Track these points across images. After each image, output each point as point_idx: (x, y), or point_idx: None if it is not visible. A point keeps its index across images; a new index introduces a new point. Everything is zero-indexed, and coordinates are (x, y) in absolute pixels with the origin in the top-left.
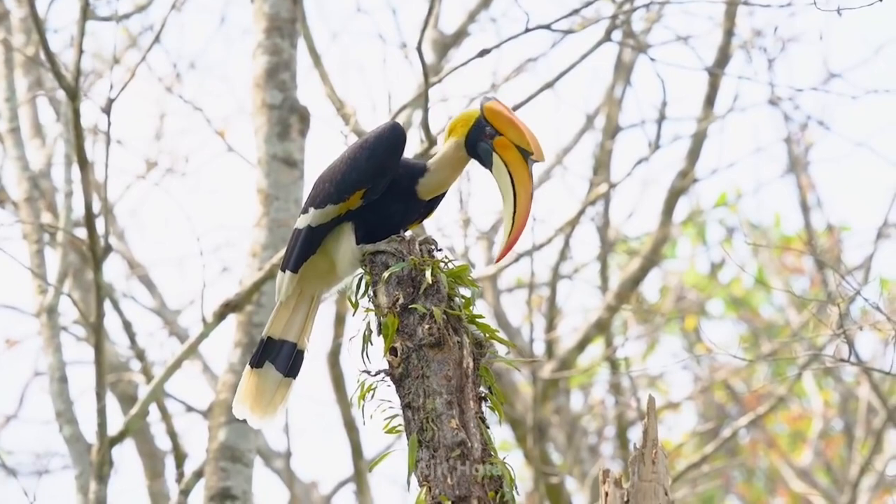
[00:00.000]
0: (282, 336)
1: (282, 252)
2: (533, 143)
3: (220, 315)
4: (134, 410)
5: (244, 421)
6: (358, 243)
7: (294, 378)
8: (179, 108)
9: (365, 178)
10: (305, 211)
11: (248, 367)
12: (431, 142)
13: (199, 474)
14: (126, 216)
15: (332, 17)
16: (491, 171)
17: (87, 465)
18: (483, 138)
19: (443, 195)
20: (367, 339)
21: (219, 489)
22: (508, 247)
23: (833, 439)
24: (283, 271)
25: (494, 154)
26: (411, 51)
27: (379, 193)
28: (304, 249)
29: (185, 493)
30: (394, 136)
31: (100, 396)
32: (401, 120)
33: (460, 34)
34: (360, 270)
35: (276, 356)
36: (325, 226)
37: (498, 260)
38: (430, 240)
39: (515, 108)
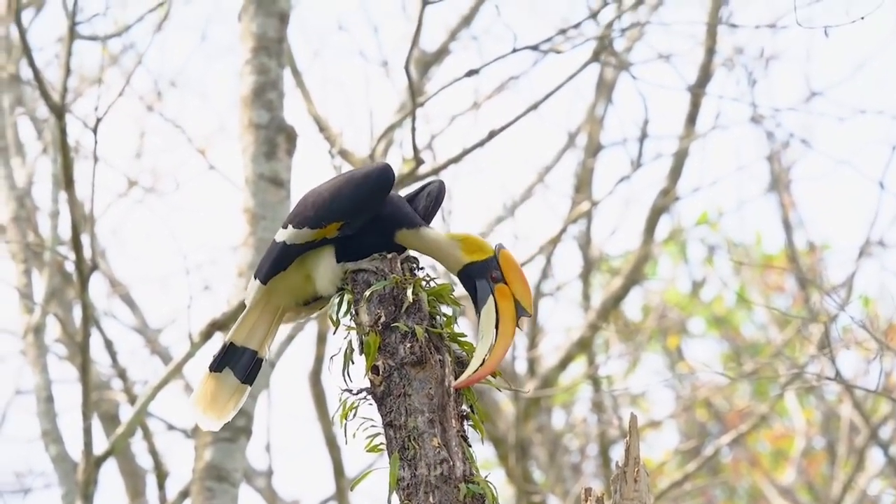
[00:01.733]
0: (244, 343)
1: None
2: (531, 303)
3: (207, 334)
4: (120, 429)
5: (230, 440)
6: (339, 261)
7: (250, 385)
8: (160, 126)
9: (344, 212)
10: (286, 227)
11: (207, 370)
12: (419, 161)
13: (184, 494)
14: (107, 235)
15: (313, 35)
16: (478, 308)
17: (73, 484)
18: (487, 277)
19: None
20: (348, 358)
21: None
22: (469, 382)
23: (815, 458)
24: (255, 279)
25: (491, 296)
26: (392, 69)
27: (356, 229)
28: (277, 264)
29: None
30: (381, 179)
31: (86, 416)
32: (384, 139)
33: (441, 52)
34: (342, 289)
35: (237, 362)
36: (301, 247)
37: (456, 387)
38: (410, 258)
39: (502, 129)
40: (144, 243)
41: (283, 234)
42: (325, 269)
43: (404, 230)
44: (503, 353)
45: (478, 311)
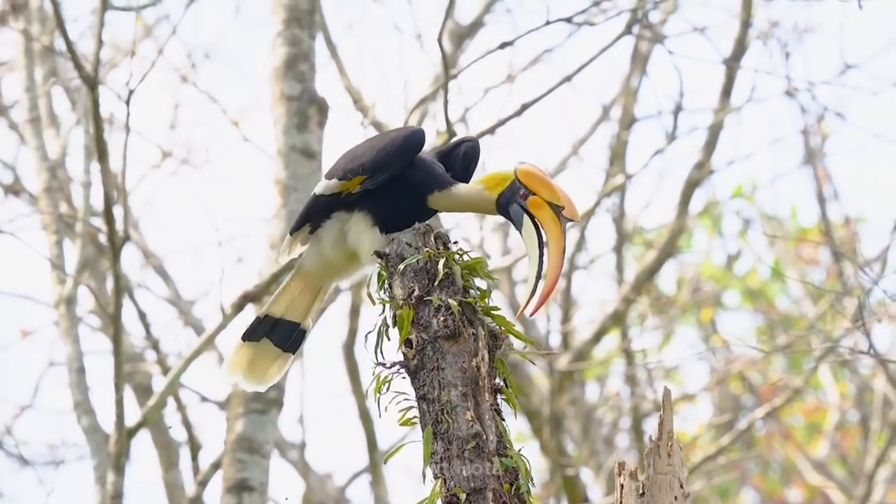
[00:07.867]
0: (283, 315)
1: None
2: (565, 200)
3: (239, 306)
4: (152, 401)
5: (262, 412)
6: (382, 232)
7: (293, 353)
8: (195, 98)
9: (367, 166)
10: (321, 179)
11: (239, 340)
12: (451, 132)
13: (216, 465)
14: (141, 206)
15: (348, 7)
16: (521, 231)
17: (105, 455)
18: (516, 199)
19: None
20: (383, 334)
21: (236, 480)
22: (540, 303)
23: (849, 431)
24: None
25: (525, 214)
26: (427, 42)
27: (375, 185)
28: (306, 215)
29: (202, 484)
30: (409, 141)
31: (118, 387)
32: (417, 111)
33: (476, 25)
34: (377, 263)
35: (273, 332)
36: (328, 198)
37: (521, 314)
38: (442, 234)
39: (534, 101)
40: (178, 215)
41: (319, 186)
42: (371, 242)
43: (436, 193)
44: (559, 260)
45: (522, 236)
